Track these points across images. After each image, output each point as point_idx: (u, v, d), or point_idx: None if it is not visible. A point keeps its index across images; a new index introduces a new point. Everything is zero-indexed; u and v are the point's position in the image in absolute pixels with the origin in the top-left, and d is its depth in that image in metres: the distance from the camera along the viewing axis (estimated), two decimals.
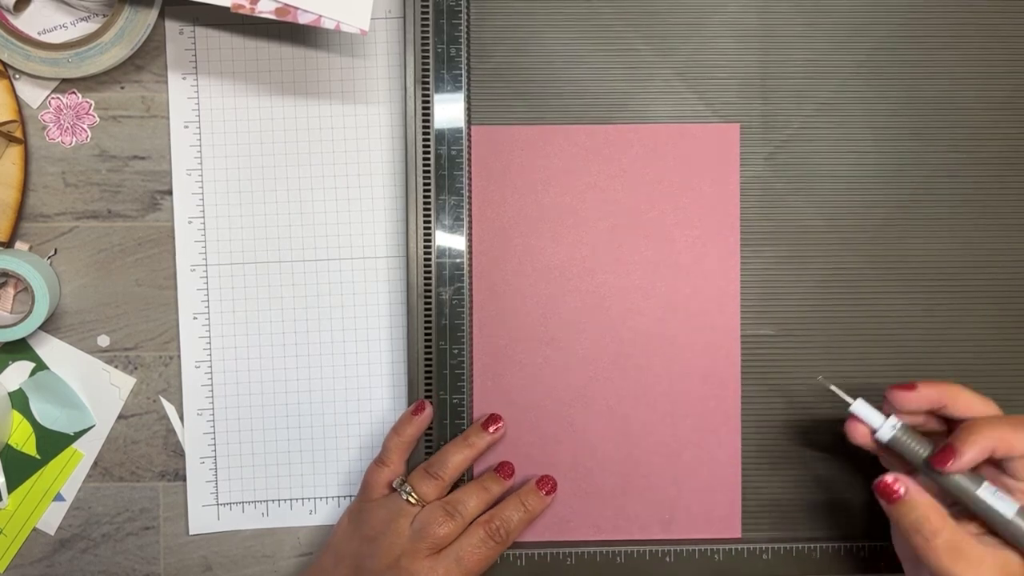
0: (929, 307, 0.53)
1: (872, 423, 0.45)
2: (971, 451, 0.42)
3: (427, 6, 0.51)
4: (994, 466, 0.43)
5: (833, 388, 0.46)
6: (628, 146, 0.52)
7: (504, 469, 0.51)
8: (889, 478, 0.43)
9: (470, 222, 0.52)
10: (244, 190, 0.53)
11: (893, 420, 0.45)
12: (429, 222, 0.51)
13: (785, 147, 0.53)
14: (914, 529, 0.42)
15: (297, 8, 0.47)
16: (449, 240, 0.51)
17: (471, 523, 0.49)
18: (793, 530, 0.53)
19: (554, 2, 0.52)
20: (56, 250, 0.53)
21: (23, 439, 0.54)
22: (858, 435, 0.46)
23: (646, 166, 0.52)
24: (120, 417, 0.54)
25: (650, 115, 0.52)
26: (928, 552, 0.41)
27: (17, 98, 0.52)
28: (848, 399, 0.46)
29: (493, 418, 0.51)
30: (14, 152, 0.52)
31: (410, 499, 0.49)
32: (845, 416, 0.46)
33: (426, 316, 0.51)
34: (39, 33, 0.52)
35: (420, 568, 0.47)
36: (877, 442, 0.45)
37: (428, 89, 0.51)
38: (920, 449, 0.44)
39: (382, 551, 0.48)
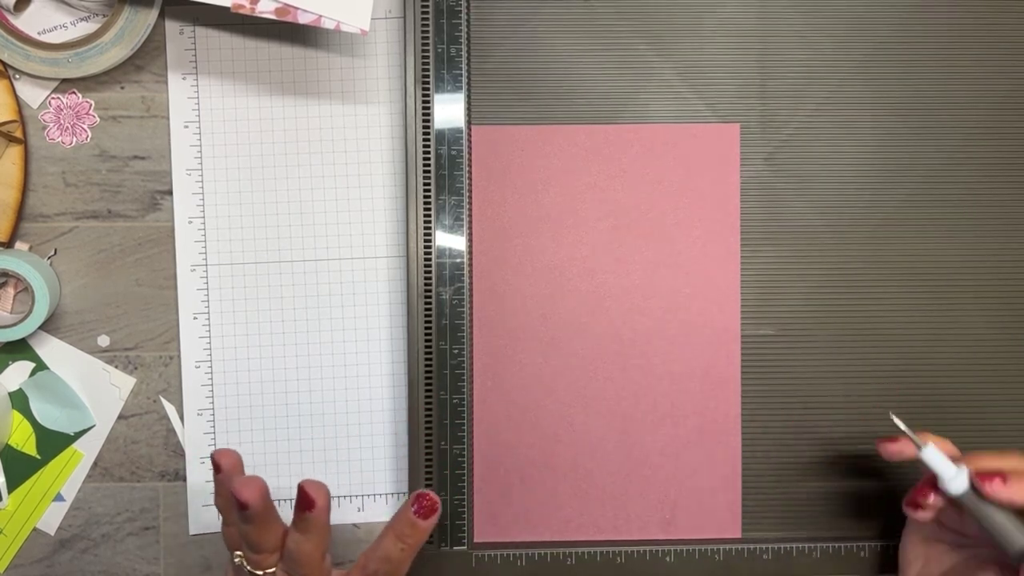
0: (929, 307, 0.53)
1: (942, 473, 0.42)
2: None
3: (427, 6, 0.51)
4: None
5: (904, 428, 0.44)
6: (628, 146, 0.52)
7: (421, 502, 0.44)
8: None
9: (470, 222, 0.52)
10: (244, 190, 0.53)
11: (965, 472, 0.42)
12: (429, 222, 0.51)
13: (785, 147, 0.53)
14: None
15: (297, 8, 0.47)
16: (449, 240, 0.51)
17: (352, 567, 0.45)
18: (793, 530, 0.53)
19: (554, 2, 0.52)
20: (56, 250, 0.53)
21: (23, 439, 0.54)
22: (893, 453, 0.45)
23: (646, 166, 0.52)
24: (120, 417, 0.54)
25: (650, 115, 0.52)
26: None
27: (17, 98, 0.53)
28: (919, 443, 0.43)
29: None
30: (14, 152, 0.52)
31: (253, 573, 0.44)
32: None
33: (426, 316, 0.51)
34: (39, 33, 0.52)
35: None
36: (942, 492, 0.43)
37: (428, 89, 0.51)
38: (998, 510, 0.41)
39: None
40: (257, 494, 0.41)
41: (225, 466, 0.44)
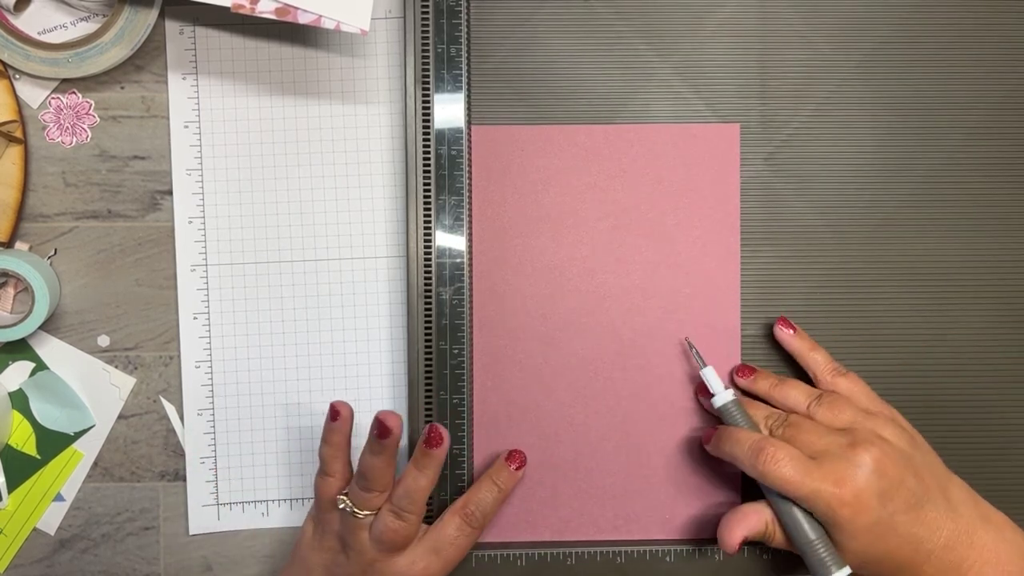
0: (929, 307, 0.53)
1: (712, 389, 0.50)
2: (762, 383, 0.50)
3: (427, 6, 0.51)
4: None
5: (693, 349, 0.51)
6: (628, 146, 0.52)
7: (515, 458, 0.50)
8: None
9: (470, 222, 0.52)
10: (244, 190, 0.53)
11: (730, 393, 0.49)
12: (429, 222, 0.51)
13: (785, 147, 0.53)
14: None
15: (297, 8, 0.47)
16: (449, 240, 0.51)
17: (448, 511, 0.49)
18: None
19: (554, 2, 0.52)
20: (56, 250, 0.53)
21: (23, 439, 0.54)
22: (703, 398, 0.52)
23: (646, 166, 0.52)
24: (120, 417, 0.54)
25: (650, 115, 0.52)
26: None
27: (17, 98, 0.53)
28: (702, 362, 0.50)
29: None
30: (14, 152, 0.52)
31: (356, 515, 0.47)
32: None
33: (426, 316, 0.51)
34: (39, 33, 0.52)
35: (398, 567, 0.47)
36: (712, 407, 0.50)
37: (428, 89, 0.51)
38: (742, 422, 0.48)
39: (351, 562, 0.47)
40: (399, 423, 0.47)
41: (345, 414, 0.49)
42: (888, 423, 0.47)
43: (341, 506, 0.48)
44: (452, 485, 0.52)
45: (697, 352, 0.50)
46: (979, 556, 0.45)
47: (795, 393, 0.49)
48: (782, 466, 0.45)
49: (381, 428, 0.46)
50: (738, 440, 0.47)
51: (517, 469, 0.50)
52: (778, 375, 0.51)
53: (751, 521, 0.47)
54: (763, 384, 0.50)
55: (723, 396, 0.49)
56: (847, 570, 0.45)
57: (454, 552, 0.48)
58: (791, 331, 0.51)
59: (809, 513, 0.46)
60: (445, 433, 0.48)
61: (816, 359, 0.51)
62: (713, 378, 0.50)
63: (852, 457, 0.44)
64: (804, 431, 0.47)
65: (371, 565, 0.47)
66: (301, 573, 0.49)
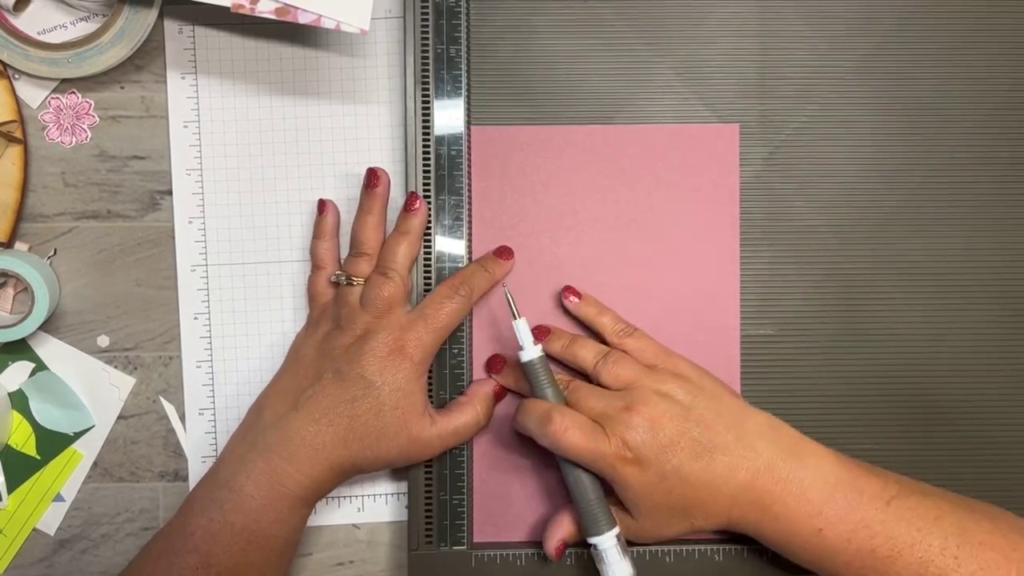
0: (929, 307, 0.53)
1: (522, 342, 0.48)
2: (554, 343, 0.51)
3: (427, 6, 0.51)
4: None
5: (508, 297, 0.49)
6: (628, 146, 0.52)
7: (503, 252, 0.52)
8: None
9: (470, 222, 0.52)
10: (244, 190, 0.53)
11: (538, 349, 0.48)
12: (429, 222, 0.51)
13: (784, 147, 0.53)
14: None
15: (297, 8, 0.47)
16: (449, 240, 0.51)
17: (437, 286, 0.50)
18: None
19: (554, 2, 0.52)
20: (56, 250, 0.53)
21: (23, 439, 0.54)
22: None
23: (646, 166, 0.52)
24: (120, 417, 0.54)
25: (650, 115, 0.52)
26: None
27: (17, 98, 0.52)
28: (516, 313, 0.48)
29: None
30: (14, 152, 0.52)
31: (350, 282, 0.49)
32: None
33: None
34: (39, 33, 0.52)
35: (383, 326, 0.48)
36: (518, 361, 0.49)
37: (428, 89, 0.51)
38: (544, 381, 0.48)
39: (343, 332, 0.48)
40: (387, 176, 0.51)
41: (331, 206, 0.52)
42: (669, 378, 0.48)
43: (334, 279, 0.50)
44: (452, 485, 0.52)
45: (512, 302, 0.49)
46: (782, 489, 0.46)
47: (583, 352, 0.50)
48: (569, 434, 0.46)
49: (372, 177, 0.50)
50: (528, 411, 0.48)
51: (505, 260, 0.51)
52: (571, 334, 0.51)
53: (565, 525, 0.49)
54: (556, 345, 0.50)
55: (531, 351, 0.48)
56: (616, 529, 0.47)
57: (442, 318, 0.48)
58: (577, 298, 0.51)
59: (595, 476, 0.47)
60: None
61: (603, 322, 0.51)
62: (525, 332, 0.48)
63: (628, 419, 0.46)
64: (584, 396, 0.48)
65: (363, 330, 0.48)
66: (293, 362, 0.50)
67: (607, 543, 0.47)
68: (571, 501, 0.49)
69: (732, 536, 0.50)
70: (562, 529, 0.50)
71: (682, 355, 0.50)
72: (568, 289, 0.51)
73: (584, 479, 0.47)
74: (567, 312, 0.52)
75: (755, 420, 0.47)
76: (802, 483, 0.46)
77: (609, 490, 0.48)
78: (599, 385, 0.49)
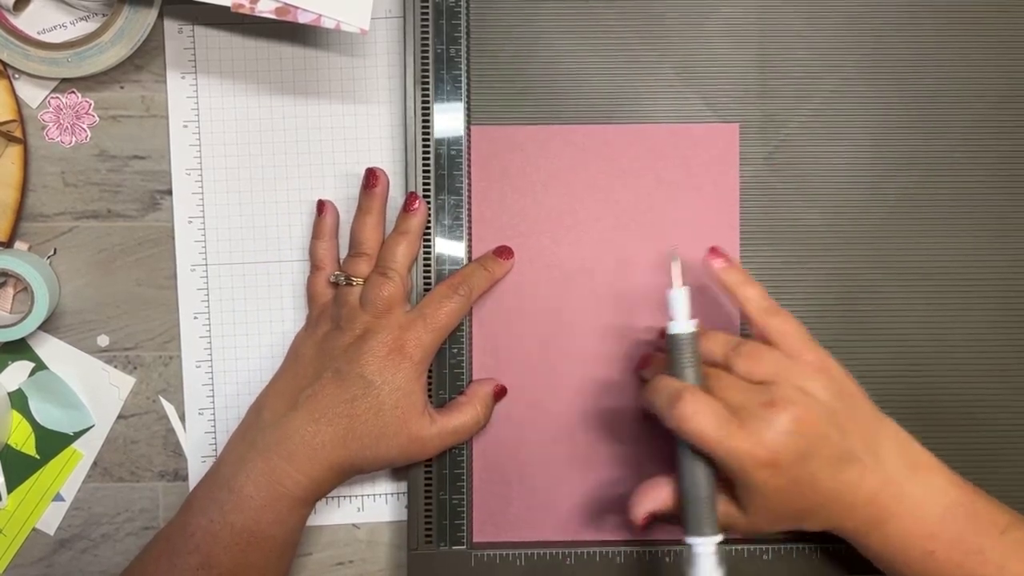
0: (929, 306, 0.53)
1: (675, 313, 0.44)
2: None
3: (427, 6, 0.51)
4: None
5: (675, 265, 0.45)
6: (628, 146, 0.52)
7: (503, 252, 0.51)
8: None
9: (470, 222, 0.52)
10: (244, 190, 0.53)
11: (693, 324, 0.44)
12: (429, 222, 0.51)
13: (785, 147, 0.53)
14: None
15: (297, 8, 0.47)
16: (448, 240, 0.51)
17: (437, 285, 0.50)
18: (793, 531, 0.52)
19: (554, 2, 0.52)
20: (56, 250, 0.53)
21: (23, 439, 0.54)
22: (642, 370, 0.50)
23: (646, 166, 0.52)
24: (120, 417, 0.54)
25: (650, 115, 0.52)
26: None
27: (17, 98, 0.52)
28: (679, 282, 0.45)
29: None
30: (14, 152, 0.52)
31: (350, 282, 0.49)
32: None
33: None
34: (39, 33, 0.52)
35: (383, 326, 0.48)
36: (663, 333, 0.45)
37: (428, 89, 0.51)
38: (686, 362, 0.44)
39: (343, 332, 0.48)
40: (386, 175, 0.51)
41: (330, 207, 0.52)
42: (814, 373, 0.44)
43: (333, 279, 0.50)
44: (452, 485, 0.52)
45: (678, 270, 0.44)
46: (903, 508, 0.43)
47: (709, 344, 0.45)
48: (699, 419, 0.42)
49: (371, 177, 0.51)
50: (658, 388, 0.44)
51: (505, 259, 0.51)
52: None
53: (662, 494, 0.45)
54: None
55: (682, 324, 0.44)
56: (719, 537, 0.43)
57: (441, 317, 0.48)
58: (723, 262, 0.46)
59: (712, 471, 0.44)
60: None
61: (748, 295, 0.46)
62: (682, 303, 0.44)
63: (770, 417, 0.41)
64: (723, 384, 0.43)
65: (363, 330, 0.48)
66: (292, 362, 0.50)
67: (706, 549, 0.43)
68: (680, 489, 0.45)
69: (732, 536, 0.50)
70: (656, 500, 0.45)
71: (823, 347, 0.46)
72: (713, 250, 0.47)
73: (700, 472, 0.43)
74: (584, 311, 0.52)
75: (886, 431, 0.45)
76: (917, 501, 0.44)
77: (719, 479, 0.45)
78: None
